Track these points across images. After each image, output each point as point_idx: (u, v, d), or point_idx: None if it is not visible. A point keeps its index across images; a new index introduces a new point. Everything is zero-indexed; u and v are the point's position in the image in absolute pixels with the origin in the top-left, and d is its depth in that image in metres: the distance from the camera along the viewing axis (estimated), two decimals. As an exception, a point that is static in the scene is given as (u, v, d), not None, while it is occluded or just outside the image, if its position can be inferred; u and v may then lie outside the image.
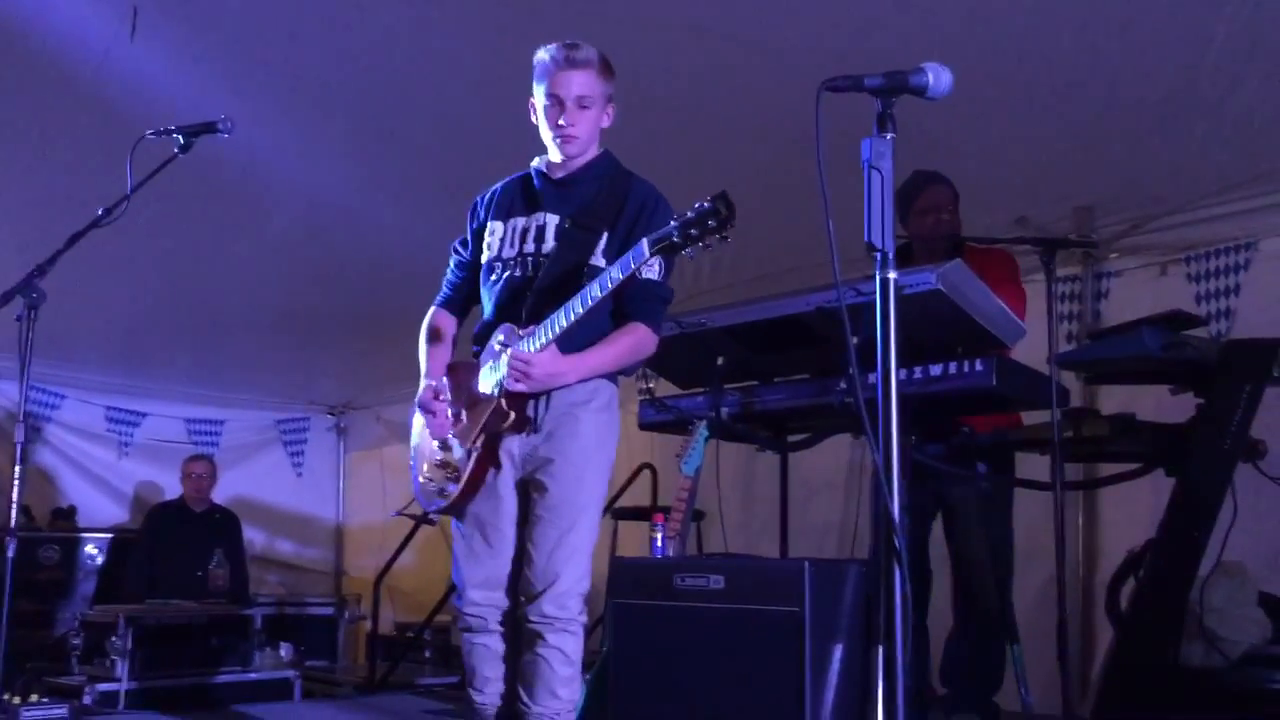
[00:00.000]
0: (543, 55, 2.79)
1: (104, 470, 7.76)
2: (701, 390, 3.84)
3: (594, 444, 2.79)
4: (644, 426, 4.08)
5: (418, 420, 2.97)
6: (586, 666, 3.43)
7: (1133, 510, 4.29)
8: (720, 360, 3.67)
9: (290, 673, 5.62)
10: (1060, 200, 4.53)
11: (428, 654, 6.49)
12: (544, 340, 2.68)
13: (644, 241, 2.55)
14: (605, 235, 2.78)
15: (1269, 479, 3.48)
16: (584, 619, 2.78)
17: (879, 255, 1.80)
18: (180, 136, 3.12)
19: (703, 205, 2.47)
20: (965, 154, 3.85)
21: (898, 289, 3.16)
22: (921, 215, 3.77)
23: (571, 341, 2.72)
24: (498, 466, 2.81)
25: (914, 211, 3.79)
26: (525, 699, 2.77)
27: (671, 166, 3.14)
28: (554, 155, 2.87)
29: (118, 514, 7.68)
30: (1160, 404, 3.87)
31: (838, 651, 2.89)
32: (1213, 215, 4.43)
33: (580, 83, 2.76)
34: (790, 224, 3.82)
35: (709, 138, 4.12)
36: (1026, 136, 4.01)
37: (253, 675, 5.53)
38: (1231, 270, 4.46)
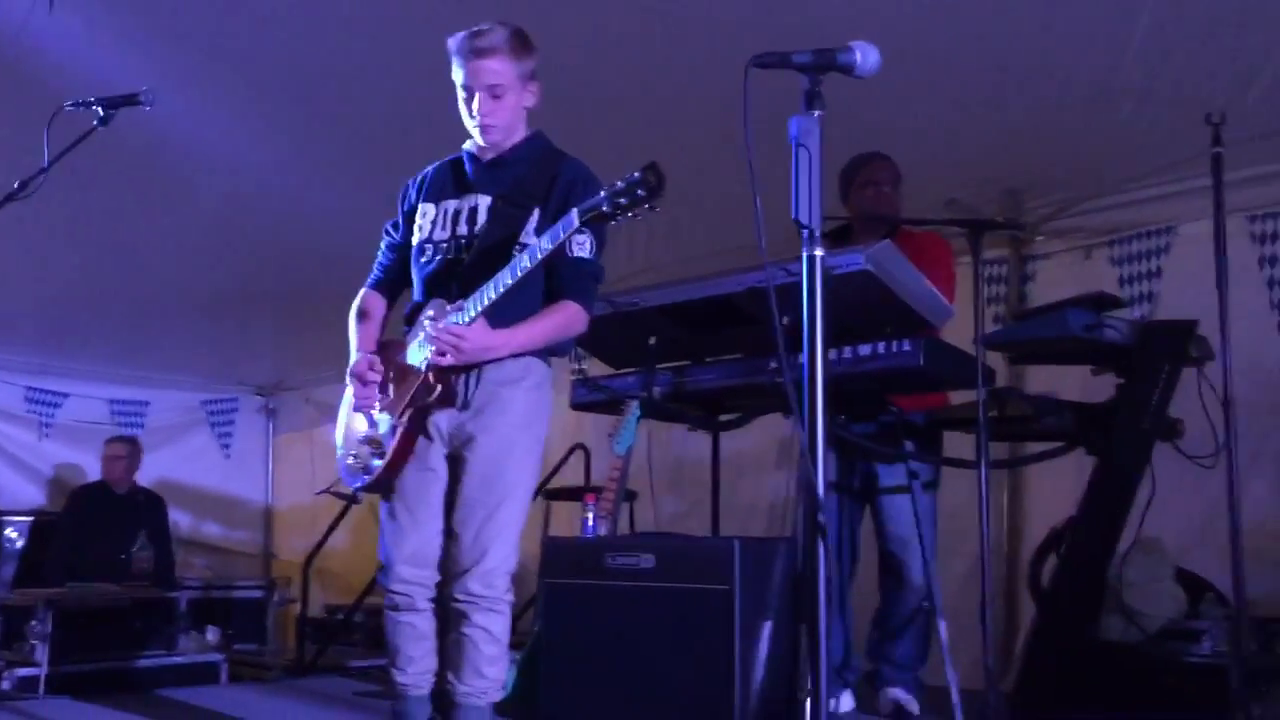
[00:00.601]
0: (451, 44, 2.75)
1: (23, 452, 7.60)
2: (634, 370, 3.84)
3: (524, 422, 2.77)
4: (576, 406, 4.08)
5: (346, 398, 2.94)
6: (518, 646, 3.43)
7: (1058, 488, 4.37)
8: (653, 340, 3.68)
9: (216, 656, 5.54)
10: (988, 184, 4.59)
11: (358, 636, 6.44)
12: (473, 313, 2.67)
13: (573, 211, 2.55)
14: (536, 212, 2.76)
15: (1187, 458, 3.57)
16: (510, 598, 2.77)
17: (806, 232, 1.81)
18: (100, 108, 3.03)
19: (632, 175, 2.48)
20: (897, 136, 3.88)
21: (827, 269, 3.20)
22: (862, 189, 3.80)
23: (503, 318, 2.70)
24: (429, 438, 2.79)
25: (855, 185, 3.82)
26: (451, 678, 2.76)
27: (605, 146, 3.13)
28: (479, 140, 2.84)
29: (37, 497, 7.53)
30: (1086, 384, 3.96)
31: (767, 628, 2.92)
32: (1135, 199, 4.53)
33: (490, 71, 2.72)
34: (728, 202, 3.82)
35: (645, 117, 4.11)
36: (957, 120, 4.06)
37: (177, 659, 5.45)
38: (1153, 254, 4.57)
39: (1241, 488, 3.45)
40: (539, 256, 2.60)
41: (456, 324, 2.67)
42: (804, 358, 1.88)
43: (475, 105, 2.75)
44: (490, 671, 2.74)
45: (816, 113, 1.83)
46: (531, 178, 2.80)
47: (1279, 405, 4.19)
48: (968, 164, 4.36)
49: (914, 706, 3.72)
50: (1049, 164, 4.39)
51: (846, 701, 3.74)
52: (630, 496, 4.79)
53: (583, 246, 2.73)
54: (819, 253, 1.84)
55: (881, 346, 3.31)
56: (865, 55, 1.89)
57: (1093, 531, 3.54)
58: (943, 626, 3.50)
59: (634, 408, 3.59)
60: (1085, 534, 3.56)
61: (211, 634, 5.70)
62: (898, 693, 3.73)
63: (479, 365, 2.75)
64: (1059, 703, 3.43)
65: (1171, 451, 3.60)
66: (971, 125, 4.08)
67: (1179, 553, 3.80)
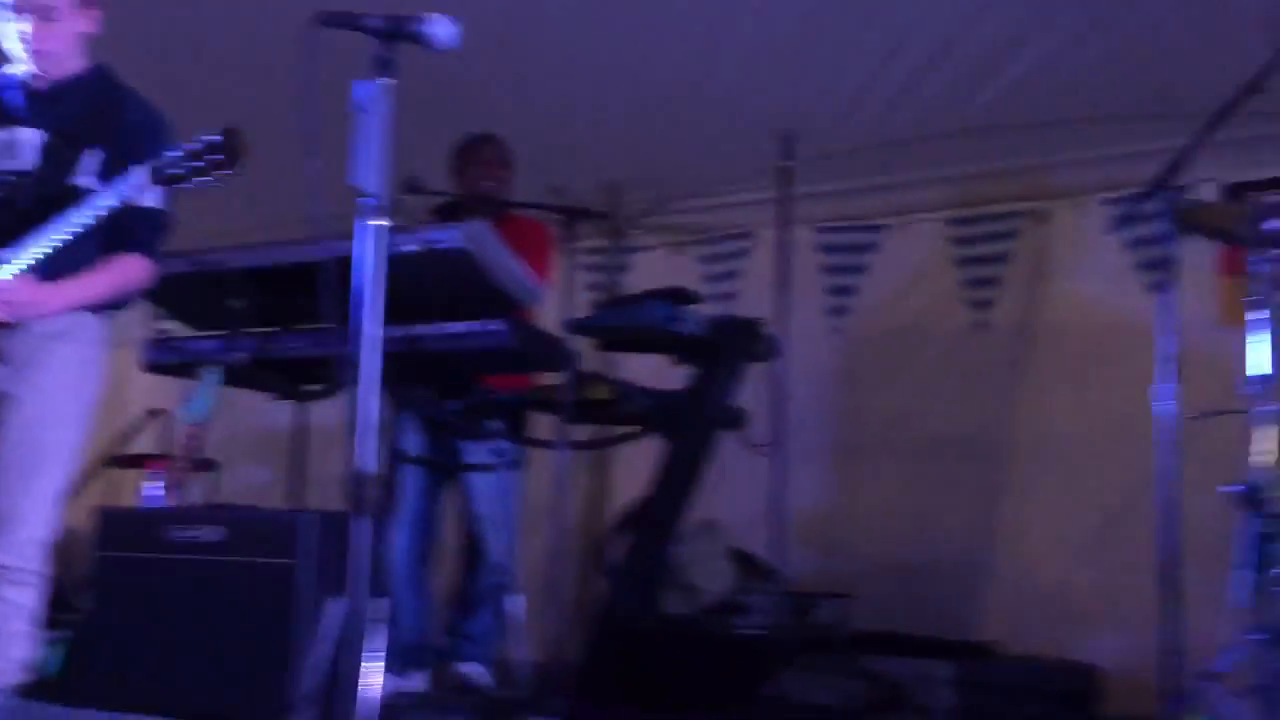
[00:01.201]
0: None
1: None
2: (216, 334, 3.64)
3: (70, 381, 2.54)
4: (149, 368, 3.81)
5: None
6: (63, 625, 3.16)
7: (643, 470, 4.59)
8: (238, 303, 3.50)
9: None
10: (590, 174, 4.74)
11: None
12: (21, 267, 2.41)
13: (141, 168, 2.37)
14: (95, 153, 2.53)
15: (746, 446, 3.85)
16: (46, 570, 2.54)
17: (366, 200, 1.79)
18: None
19: (211, 138, 2.33)
20: (505, 119, 3.92)
21: (428, 244, 3.19)
22: (467, 169, 3.84)
23: (55, 269, 2.46)
24: None
25: (464, 165, 3.85)
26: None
27: (183, 93, 2.93)
28: (28, 66, 2.58)
29: None
30: (674, 375, 4.16)
31: (336, 605, 2.86)
32: (720, 204, 4.86)
33: None
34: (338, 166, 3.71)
35: (232, 66, 3.89)
36: (562, 110, 4.16)
37: None
38: (734, 255, 4.91)
39: (791, 475, 3.80)
40: (100, 213, 2.39)
41: (-1, 278, 2.41)
42: (358, 330, 1.85)
43: (24, 29, 2.49)
44: (15, 651, 2.49)
45: (385, 80, 1.80)
46: (92, 115, 2.56)
47: (830, 402, 4.64)
48: (571, 154, 4.48)
49: (486, 680, 3.79)
50: (645, 162, 4.60)
51: (419, 680, 3.74)
52: (208, 466, 4.54)
53: (149, 194, 2.53)
54: (381, 222, 1.82)
55: (474, 325, 3.34)
56: (441, 29, 1.88)
57: (659, 512, 3.75)
58: (518, 602, 3.59)
59: (211, 373, 3.41)
60: (653, 514, 3.77)
61: None
62: (470, 667, 3.79)
63: (24, 321, 2.49)
64: (621, 674, 3.61)
65: (737, 439, 3.89)
66: (576, 117, 4.20)
67: (743, 535, 4.09)
